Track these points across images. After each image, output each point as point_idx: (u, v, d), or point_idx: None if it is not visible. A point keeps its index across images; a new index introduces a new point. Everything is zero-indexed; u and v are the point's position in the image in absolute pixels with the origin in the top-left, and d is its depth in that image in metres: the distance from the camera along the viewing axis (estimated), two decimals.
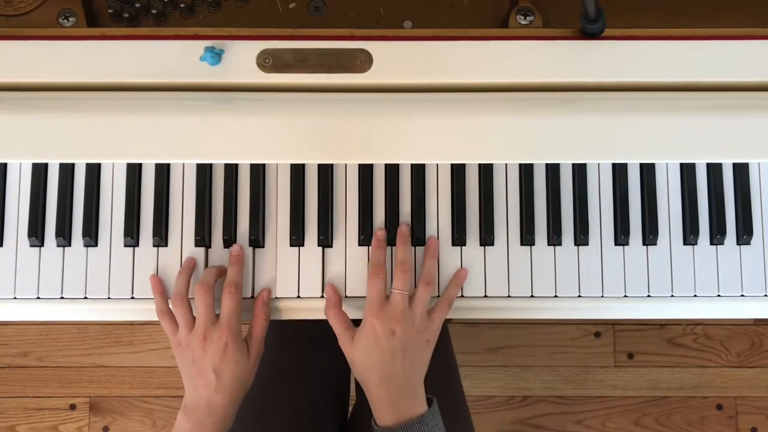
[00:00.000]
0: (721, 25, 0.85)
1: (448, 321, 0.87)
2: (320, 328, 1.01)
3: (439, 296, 0.83)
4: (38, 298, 0.84)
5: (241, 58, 0.82)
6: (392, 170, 0.86)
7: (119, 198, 0.85)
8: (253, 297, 0.84)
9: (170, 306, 0.82)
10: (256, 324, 0.82)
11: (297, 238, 0.84)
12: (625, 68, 0.82)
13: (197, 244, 0.84)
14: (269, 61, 0.81)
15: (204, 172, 0.85)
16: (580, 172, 0.86)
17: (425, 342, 0.80)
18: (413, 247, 0.85)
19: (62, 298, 0.84)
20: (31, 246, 0.85)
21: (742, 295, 0.85)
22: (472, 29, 0.83)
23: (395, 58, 0.82)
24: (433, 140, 0.81)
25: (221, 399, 0.78)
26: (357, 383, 1.07)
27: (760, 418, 1.64)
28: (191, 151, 0.82)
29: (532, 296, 0.84)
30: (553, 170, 0.86)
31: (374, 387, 0.78)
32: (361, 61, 0.82)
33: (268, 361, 0.95)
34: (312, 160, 0.84)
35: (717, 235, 0.85)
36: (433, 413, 0.78)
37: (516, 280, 0.84)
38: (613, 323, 1.64)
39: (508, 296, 0.84)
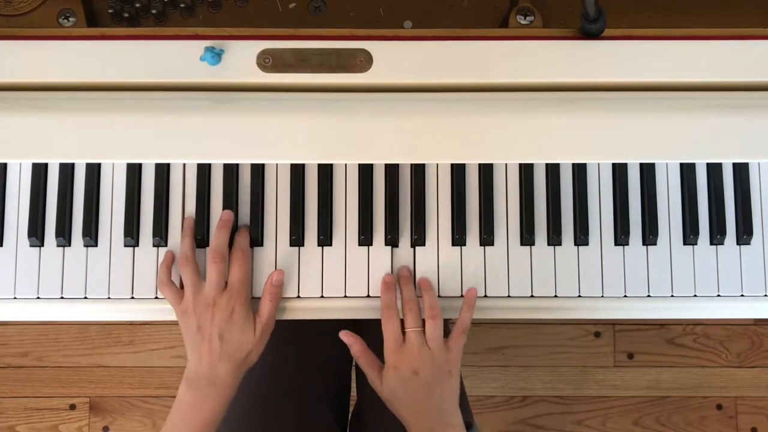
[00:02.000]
0: (721, 25, 0.85)
1: (449, 321, 0.87)
2: (320, 328, 1.02)
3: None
4: (38, 298, 0.84)
5: (241, 58, 0.81)
6: (392, 170, 0.86)
7: (119, 198, 0.85)
8: (252, 297, 0.84)
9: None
10: (263, 304, 0.82)
11: (297, 238, 0.84)
12: (625, 68, 0.82)
13: (197, 244, 0.84)
14: (269, 61, 0.81)
15: (204, 172, 0.85)
16: (580, 172, 0.86)
17: (447, 373, 0.81)
18: (413, 248, 0.85)
19: (62, 298, 0.84)
20: (31, 246, 0.85)
21: (742, 295, 0.85)
22: (472, 29, 0.83)
23: (395, 58, 0.82)
24: (434, 140, 0.81)
25: (224, 367, 0.79)
26: (358, 382, 1.07)
27: (760, 418, 1.64)
28: (191, 151, 0.82)
29: (532, 296, 0.84)
30: (553, 170, 0.86)
31: (409, 420, 0.80)
32: (361, 61, 0.82)
33: (270, 359, 0.95)
34: (312, 160, 0.85)
35: (717, 235, 0.85)
36: None
37: (516, 280, 0.84)
38: (613, 323, 1.64)
39: (508, 296, 0.84)
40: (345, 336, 0.84)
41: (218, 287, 0.80)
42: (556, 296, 0.85)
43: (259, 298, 0.83)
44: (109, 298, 0.84)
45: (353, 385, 1.10)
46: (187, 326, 0.80)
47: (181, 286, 0.82)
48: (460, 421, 0.81)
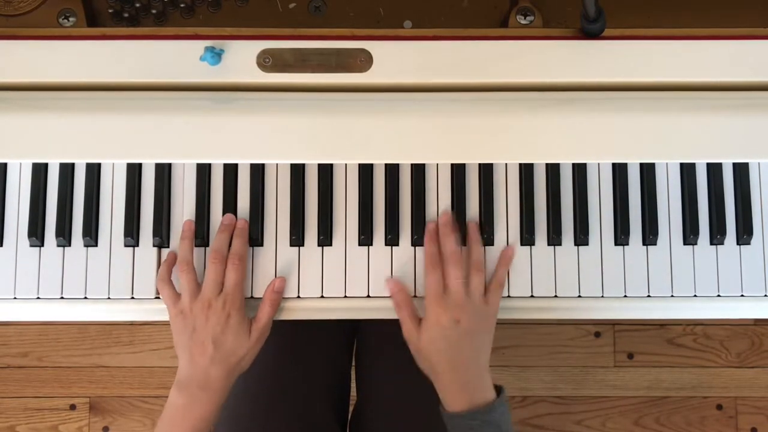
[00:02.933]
0: (721, 25, 0.85)
1: None
2: (320, 328, 1.02)
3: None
4: (38, 298, 0.84)
5: (241, 58, 0.82)
6: (392, 170, 0.86)
7: (119, 198, 0.85)
8: (252, 297, 0.84)
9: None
10: (262, 309, 0.82)
11: (297, 238, 0.84)
12: (625, 68, 0.82)
13: (197, 243, 0.84)
14: (269, 61, 0.81)
15: (204, 172, 0.85)
16: (580, 172, 0.86)
17: (485, 326, 0.81)
18: (413, 248, 0.85)
19: (62, 298, 0.84)
20: (31, 246, 0.85)
21: (742, 295, 0.85)
22: (472, 29, 0.83)
23: (395, 58, 0.82)
24: (433, 140, 0.81)
25: (217, 371, 0.79)
26: (357, 383, 1.07)
27: (760, 418, 1.64)
28: (191, 151, 0.82)
29: (532, 296, 0.84)
30: (553, 170, 0.86)
31: (444, 374, 0.79)
32: (361, 61, 0.82)
33: (270, 360, 0.95)
34: (312, 160, 0.85)
35: (717, 235, 0.85)
36: (501, 401, 0.79)
37: (516, 280, 0.84)
38: (613, 323, 1.64)
39: (508, 296, 0.84)
40: (390, 283, 0.83)
41: (216, 288, 0.80)
42: (556, 296, 0.85)
43: (255, 299, 0.83)
44: (109, 298, 0.84)
45: (353, 384, 1.10)
46: (181, 327, 0.80)
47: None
48: (491, 382, 0.80)
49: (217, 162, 0.85)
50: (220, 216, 0.85)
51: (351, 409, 1.07)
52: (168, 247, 0.85)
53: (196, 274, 0.82)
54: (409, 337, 0.82)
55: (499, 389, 0.81)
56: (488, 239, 0.85)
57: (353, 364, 1.10)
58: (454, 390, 0.79)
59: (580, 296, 0.85)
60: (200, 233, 0.84)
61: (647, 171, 0.86)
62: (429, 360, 0.81)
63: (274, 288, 0.83)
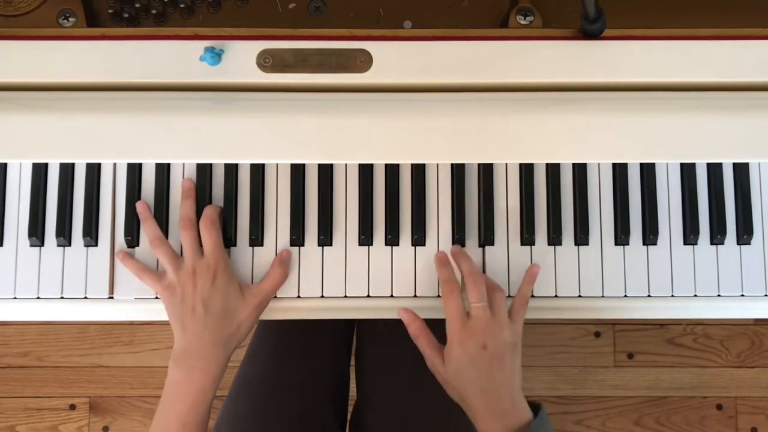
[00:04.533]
0: (721, 25, 0.85)
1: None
2: (320, 328, 1.02)
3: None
4: (38, 298, 0.84)
5: (241, 58, 0.82)
6: (392, 170, 0.86)
7: (119, 198, 0.85)
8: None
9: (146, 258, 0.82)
10: (269, 274, 0.82)
11: (297, 238, 0.84)
12: (625, 68, 0.82)
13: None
14: (269, 61, 0.81)
15: (204, 172, 0.85)
16: (580, 172, 0.86)
17: (513, 347, 0.78)
18: (413, 248, 0.85)
19: (62, 298, 0.84)
20: (31, 246, 0.85)
21: (742, 295, 0.85)
22: (472, 29, 0.83)
23: (395, 58, 0.82)
24: (433, 140, 0.81)
25: (210, 336, 0.78)
26: (357, 382, 1.07)
27: (760, 418, 1.64)
28: (191, 151, 0.82)
29: (532, 296, 0.84)
30: (553, 170, 0.86)
31: (475, 401, 0.76)
32: (361, 61, 0.82)
33: (269, 359, 0.95)
34: (312, 160, 0.85)
35: (717, 235, 0.85)
36: (540, 422, 0.76)
37: (516, 280, 0.84)
38: (613, 323, 1.64)
39: (508, 296, 0.84)
40: (403, 313, 0.81)
41: (195, 253, 0.80)
42: (556, 296, 0.85)
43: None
44: (109, 298, 0.84)
45: (353, 384, 1.10)
46: (172, 300, 0.79)
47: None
48: (525, 402, 0.77)
49: (217, 162, 0.85)
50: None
51: (350, 408, 1.08)
52: None
53: (171, 246, 0.81)
54: (434, 368, 0.79)
55: (537, 407, 0.78)
56: (488, 239, 0.85)
57: (353, 363, 1.11)
58: (490, 420, 0.75)
59: (580, 296, 0.85)
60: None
61: (647, 171, 0.86)
62: (458, 391, 0.77)
63: (281, 259, 0.82)
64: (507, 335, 0.77)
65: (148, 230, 0.82)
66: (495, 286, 0.80)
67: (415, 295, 0.84)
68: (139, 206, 0.84)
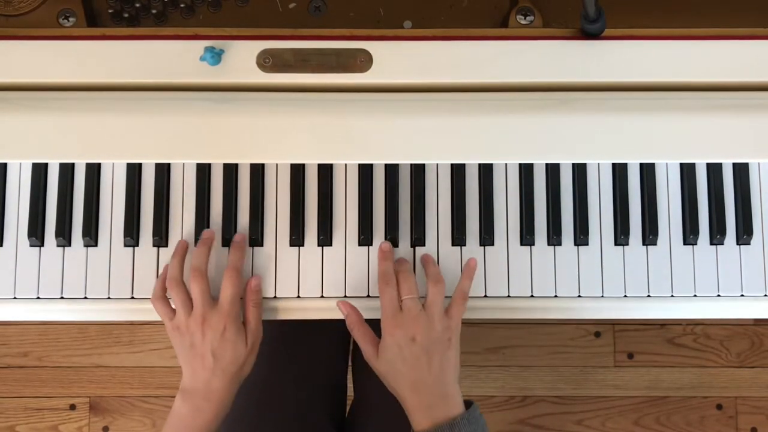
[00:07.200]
0: (721, 25, 0.85)
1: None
2: (318, 327, 1.02)
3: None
4: (38, 298, 0.84)
5: (241, 58, 0.82)
6: (392, 170, 0.86)
7: (119, 198, 0.85)
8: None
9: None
10: (248, 312, 0.82)
11: (297, 238, 0.84)
12: (625, 68, 0.82)
13: (197, 243, 0.84)
14: (269, 61, 0.81)
15: (204, 172, 0.85)
16: (580, 172, 0.86)
17: (447, 341, 0.79)
18: (413, 248, 0.85)
19: (62, 298, 0.84)
20: (31, 246, 0.85)
21: (742, 295, 0.85)
22: (472, 29, 0.83)
23: (395, 58, 0.82)
24: (433, 140, 0.81)
25: (219, 382, 0.79)
26: (354, 381, 1.07)
27: (760, 418, 1.64)
28: (191, 151, 0.82)
29: (532, 296, 0.84)
30: (553, 170, 0.86)
31: (406, 395, 0.78)
32: (361, 61, 0.82)
33: (267, 359, 0.95)
34: (312, 160, 0.85)
35: (717, 235, 0.85)
36: (469, 417, 0.76)
37: (516, 280, 0.84)
38: (613, 323, 1.64)
39: (508, 296, 0.84)
40: (343, 305, 0.83)
41: (205, 305, 0.79)
42: (556, 296, 0.85)
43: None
44: (109, 298, 0.84)
45: (350, 384, 1.10)
46: (179, 342, 0.80)
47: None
48: (460, 399, 0.78)
49: (217, 162, 0.85)
50: (221, 216, 0.85)
51: (348, 408, 1.08)
52: (167, 247, 0.85)
53: (186, 289, 0.81)
54: (370, 361, 0.81)
55: (469, 404, 0.79)
56: (488, 239, 0.85)
57: (350, 363, 1.11)
58: (418, 412, 0.77)
59: (580, 296, 0.85)
60: (200, 233, 0.84)
61: (647, 171, 0.86)
62: (391, 384, 0.79)
63: (251, 288, 0.82)
64: (438, 328, 0.78)
65: (172, 267, 0.82)
66: (437, 278, 0.80)
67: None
68: (180, 244, 0.83)
